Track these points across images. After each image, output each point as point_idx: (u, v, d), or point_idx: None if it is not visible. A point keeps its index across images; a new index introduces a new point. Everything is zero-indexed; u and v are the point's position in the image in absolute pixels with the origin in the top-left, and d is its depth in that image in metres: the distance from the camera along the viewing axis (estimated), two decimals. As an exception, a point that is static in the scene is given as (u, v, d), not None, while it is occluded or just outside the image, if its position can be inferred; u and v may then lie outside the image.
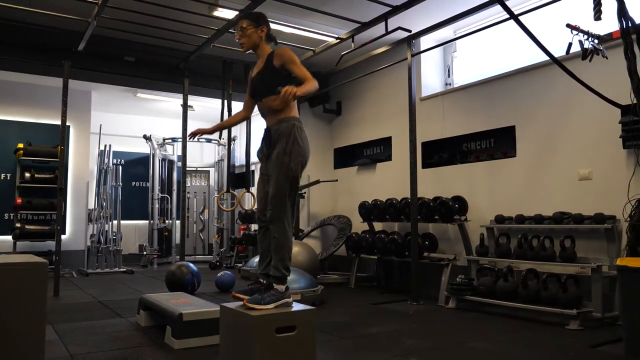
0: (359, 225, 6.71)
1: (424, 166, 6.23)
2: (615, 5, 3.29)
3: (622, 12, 3.27)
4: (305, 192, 7.65)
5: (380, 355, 3.18)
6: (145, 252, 9.19)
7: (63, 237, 7.38)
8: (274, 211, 2.85)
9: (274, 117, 2.96)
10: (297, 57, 2.97)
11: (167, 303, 3.71)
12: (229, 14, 5.22)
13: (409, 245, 5.45)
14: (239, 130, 10.68)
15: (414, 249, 5.27)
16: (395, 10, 4.97)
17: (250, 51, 3.14)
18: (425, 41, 6.12)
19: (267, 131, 3.02)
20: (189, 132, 6.58)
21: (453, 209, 5.37)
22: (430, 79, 6.52)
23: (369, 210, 6.46)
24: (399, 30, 5.25)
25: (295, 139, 2.88)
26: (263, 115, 3.07)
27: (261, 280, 2.91)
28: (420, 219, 5.52)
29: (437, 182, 6.03)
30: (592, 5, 3.29)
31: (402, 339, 3.61)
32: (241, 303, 2.78)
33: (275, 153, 2.88)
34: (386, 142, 7.02)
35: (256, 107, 3.20)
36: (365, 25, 5.35)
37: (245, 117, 3.37)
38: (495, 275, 4.66)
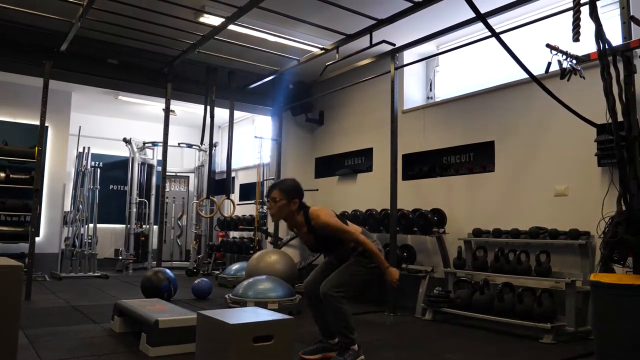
0: (338, 235, 6.70)
1: (404, 178, 6.28)
2: (593, 27, 3.38)
3: (600, 35, 3.36)
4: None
5: (357, 366, 3.18)
6: (121, 257, 9.06)
7: (37, 239, 7.23)
8: (339, 288, 3.11)
9: (342, 253, 3.32)
10: (331, 221, 3.19)
11: (142, 309, 3.66)
12: (215, 20, 5.23)
13: (388, 256, 5.46)
14: (220, 137, 10.66)
15: (392, 260, 5.29)
16: (380, 23, 5.03)
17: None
18: (409, 55, 6.20)
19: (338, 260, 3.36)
20: (169, 136, 6.58)
21: (432, 221, 5.42)
22: (413, 92, 6.60)
23: (348, 221, 6.46)
24: (383, 44, 5.31)
25: (362, 265, 3.25)
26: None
27: (330, 341, 3.32)
28: (399, 231, 5.55)
29: (416, 194, 6.09)
30: (571, 27, 3.38)
31: (379, 350, 3.62)
32: (218, 310, 2.79)
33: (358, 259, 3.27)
34: (367, 153, 7.07)
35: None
36: (350, 37, 5.40)
37: None
38: (472, 288, 4.72)
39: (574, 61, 3.81)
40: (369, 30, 5.14)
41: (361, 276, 3.24)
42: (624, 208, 3.45)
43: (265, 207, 7.21)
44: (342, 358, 3.07)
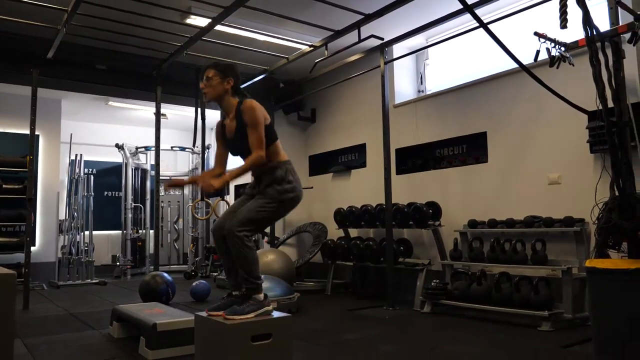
0: (334, 232, 6.72)
1: (398, 172, 6.29)
2: (580, 14, 3.38)
3: (587, 21, 3.37)
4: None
5: (357, 361, 3.18)
6: (118, 263, 9.02)
7: (33, 248, 7.18)
8: (243, 228, 2.75)
9: (263, 167, 2.91)
10: (259, 116, 2.87)
11: (140, 313, 3.65)
12: (201, 21, 5.20)
13: (384, 251, 5.48)
14: (212, 139, 10.62)
15: (389, 254, 5.31)
16: (368, 18, 5.02)
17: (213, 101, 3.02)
18: (398, 49, 6.19)
19: (258, 179, 2.97)
20: (161, 140, 6.56)
21: (427, 214, 5.43)
22: (403, 86, 6.59)
23: (344, 217, 6.48)
24: (372, 38, 5.31)
25: (289, 182, 2.89)
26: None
27: (235, 292, 2.84)
28: (395, 225, 5.56)
29: (411, 188, 6.09)
30: (558, 14, 3.38)
31: (378, 345, 3.63)
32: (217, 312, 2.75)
33: (268, 192, 2.86)
34: (360, 149, 7.07)
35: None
36: (338, 33, 5.39)
37: (221, 173, 3.10)
38: (469, 279, 4.73)
39: (563, 48, 3.81)
40: (357, 25, 5.13)
41: (272, 212, 2.87)
42: (617, 193, 3.46)
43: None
44: (239, 308, 2.70)
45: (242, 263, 2.75)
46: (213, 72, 2.96)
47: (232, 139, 3.02)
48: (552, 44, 3.77)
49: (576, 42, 3.86)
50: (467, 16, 4.51)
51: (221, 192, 7.24)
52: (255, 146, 2.83)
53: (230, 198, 9.73)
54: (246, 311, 2.69)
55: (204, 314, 2.86)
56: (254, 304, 2.73)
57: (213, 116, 7.84)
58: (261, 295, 2.78)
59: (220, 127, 3.10)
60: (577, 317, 4.08)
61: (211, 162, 10.24)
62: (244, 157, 2.95)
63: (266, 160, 2.88)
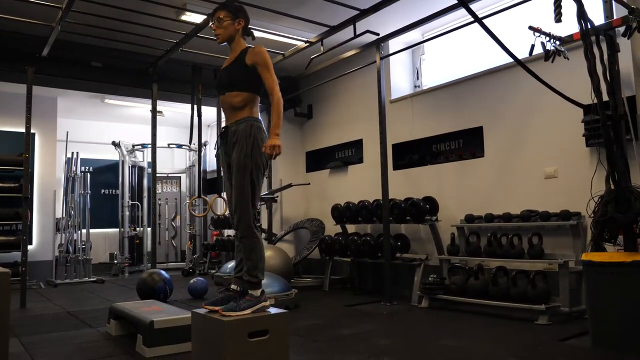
0: (332, 228, 6.72)
1: (395, 168, 6.29)
2: (575, 8, 3.38)
3: (582, 15, 3.37)
4: (277, 196, 7.62)
5: (353, 357, 3.19)
6: (116, 261, 9.01)
7: (30, 247, 7.19)
8: (240, 217, 2.80)
9: (233, 115, 2.90)
10: (270, 61, 2.93)
11: (138, 311, 3.65)
12: (197, 18, 5.19)
13: (382, 246, 5.48)
14: (209, 135, 10.61)
15: (386, 250, 5.31)
16: (363, 13, 5.01)
17: (225, 43, 3.03)
18: (394, 44, 6.18)
19: (225, 129, 2.94)
20: (158, 137, 6.55)
21: (424, 209, 5.43)
22: (400, 82, 6.59)
23: (341, 213, 6.48)
24: (368, 34, 5.29)
25: (254, 140, 2.82)
26: (224, 111, 2.99)
27: (233, 287, 2.84)
28: (392, 220, 5.56)
29: (408, 183, 6.09)
30: (553, 8, 3.38)
31: (376, 340, 3.63)
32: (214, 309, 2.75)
33: (235, 156, 2.82)
34: (357, 145, 7.06)
35: None
36: (333, 29, 5.38)
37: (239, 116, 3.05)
38: (466, 273, 4.74)
39: (558, 42, 3.82)
40: (353, 20, 5.12)
41: (256, 169, 2.80)
42: (612, 187, 3.47)
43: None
44: (235, 304, 2.69)
45: (249, 254, 2.78)
46: (224, 13, 2.98)
47: (223, 70, 3.02)
48: (547, 38, 3.78)
49: (571, 36, 3.86)
50: (463, 11, 4.50)
51: (218, 189, 7.23)
52: (273, 87, 2.87)
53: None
54: (242, 307, 2.68)
55: (201, 311, 2.85)
56: (251, 300, 2.73)
57: (210, 113, 7.82)
58: (258, 292, 2.78)
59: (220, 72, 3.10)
60: (574, 311, 4.09)
61: (208, 159, 10.24)
62: (225, 92, 2.93)
63: (240, 108, 2.89)
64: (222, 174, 3.04)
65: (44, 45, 5.39)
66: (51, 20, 4.93)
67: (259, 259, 2.81)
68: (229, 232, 9.45)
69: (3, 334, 2.44)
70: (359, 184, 6.87)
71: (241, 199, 2.80)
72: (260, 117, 2.99)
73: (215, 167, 8.05)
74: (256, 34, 5.68)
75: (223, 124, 3.08)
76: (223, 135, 2.96)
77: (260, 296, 2.78)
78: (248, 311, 2.68)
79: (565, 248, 4.48)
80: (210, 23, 3.04)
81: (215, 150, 3.05)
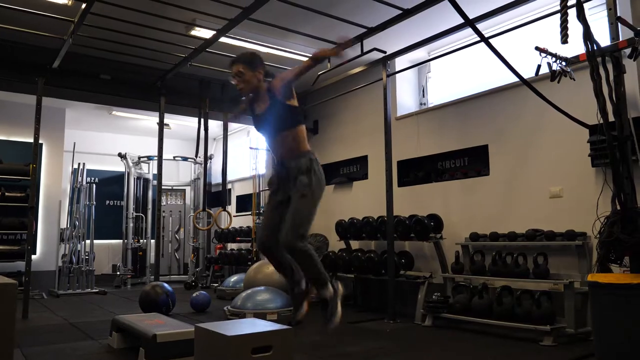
0: (335, 244, 6.71)
1: (400, 184, 6.29)
2: (581, 29, 3.41)
3: (588, 36, 3.39)
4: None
5: (357, 374, 3.17)
6: (118, 272, 9.01)
7: (33, 257, 7.19)
8: (302, 233, 2.95)
9: (289, 152, 3.01)
10: (283, 74, 3.06)
11: (140, 324, 3.64)
12: (206, 33, 5.24)
13: (386, 263, 5.46)
14: (215, 149, 10.66)
15: (390, 267, 5.29)
16: (371, 31, 5.05)
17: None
18: (400, 62, 6.23)
19: (282, 165, 3.06)
20: (164, 150, 6.58)
21: (429, 226, 5.42)
22: (405, 99, 6.62)
23: (345, 229, 6.47)
24: (375, 51, 5.33)
25: (315, 173, 2.99)
26: (274, 150, 3.10)
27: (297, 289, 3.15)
28: (396, 237, 5.55)
29: (412, 200, 6.09)
30: (559, 29, 3.40)
31: (378, 358, 3.61)
32: (216, 322, 2.76)
33: (301, 187, 2.96)
34: (362, 161, 7.08)
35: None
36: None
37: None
38: (471, 292, 4.70)
39: (564, 63, 3.83)
40: (360, 38, 5.16)
41: (312, 206, 3.02)
42: (618, 207, 3.45)
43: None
44: (329, 312, 3.09)
45: (309, 268, 2.99)
46: (242, 67, 3.08)
47: (262, 115, 3.12)
48: (553, 59, 3.80)
49: (577, 56, 3.88)
50: (469, 30, 4.55)
51: (222, 203, 7.25)
52: (302, 64, 3.04)
53: (232, 209, 9.75)
54: (335, 310, 3.02)
55: (204, 325, 2.85)
56: (333, 298, 3.03)
57: (216, 127, 7.87)
58: (331, 287, 3.04)
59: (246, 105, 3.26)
60: (580, 332, 4.05)
61: (213, 172, 10.27)
62: (276, 135, 3.06)
63: (294, 144, 3.00)
64: (269, 203, 3.24)
65: (54, 57, 5.46)
66: (63, 33, 5.00)
67: (318, 267, 3.05)
68: (232, 246, 9.45)
69: (8, 345, 2.44)
70: (363, 200, 6.87)
71: (306, 219, 2.99)
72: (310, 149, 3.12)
73: (220, 181, 8.07)
74: (264, 50, 5.80)
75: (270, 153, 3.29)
76: (281, 170, 3.09)
77: (334, 289, 3.10)
78: (339, 307, 3.03)
79: (570, 268, 4.46)
80: (230, 77, 3.17)
81: (273, 184, 3.19)
